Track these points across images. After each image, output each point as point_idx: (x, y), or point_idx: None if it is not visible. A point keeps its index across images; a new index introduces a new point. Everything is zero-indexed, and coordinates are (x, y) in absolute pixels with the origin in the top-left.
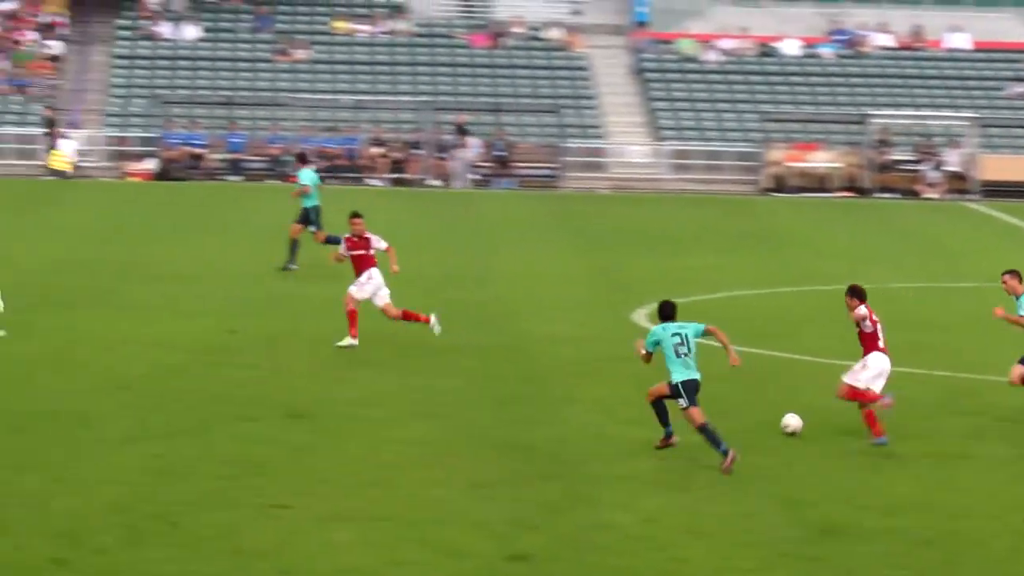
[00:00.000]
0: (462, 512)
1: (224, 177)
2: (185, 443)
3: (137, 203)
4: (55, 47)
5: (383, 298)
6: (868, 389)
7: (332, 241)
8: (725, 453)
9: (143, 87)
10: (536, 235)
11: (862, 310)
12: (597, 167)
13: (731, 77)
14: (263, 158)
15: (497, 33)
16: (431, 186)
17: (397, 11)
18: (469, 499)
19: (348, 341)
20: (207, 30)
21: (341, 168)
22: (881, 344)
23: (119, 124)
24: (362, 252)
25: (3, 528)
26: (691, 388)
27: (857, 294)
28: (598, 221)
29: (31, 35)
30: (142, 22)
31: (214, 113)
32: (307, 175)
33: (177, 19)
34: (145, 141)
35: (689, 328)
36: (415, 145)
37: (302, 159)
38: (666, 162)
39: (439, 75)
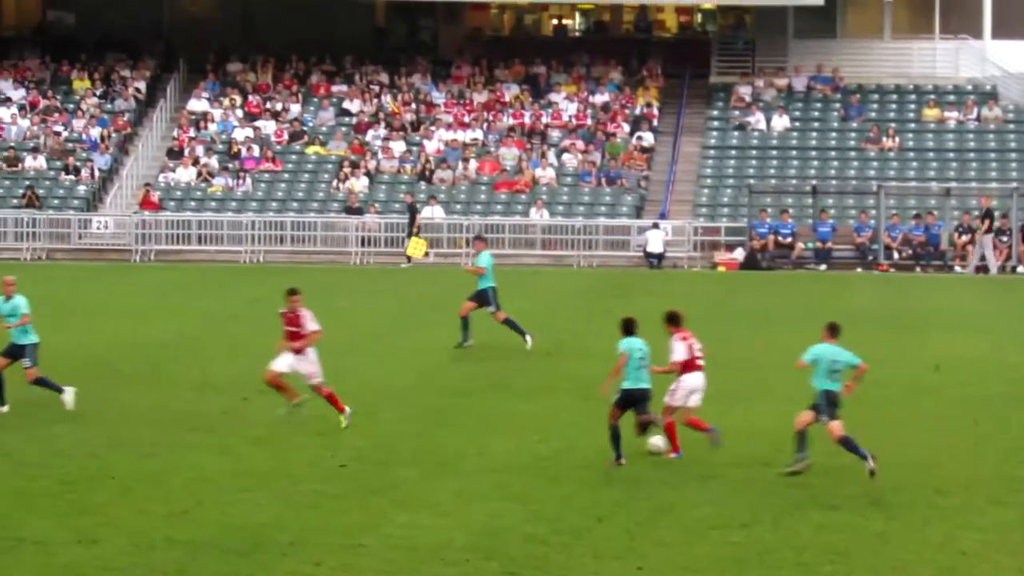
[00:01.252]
0: None
1: (811, 266)
2: (764, 530)
3: (722, 292)
4: (647, 138)
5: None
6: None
7: (511, 325)
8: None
9: (732, 176)
10: None
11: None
12: None
13: None
14: (850, 247)
15: None
16: (1020, 274)
17: (988, 98)
18: None
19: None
20: (796, 120)
21: (925, 256)
22: (699, 363)
23: (707, 214)
24: (293, 329)
25: None
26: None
27: (672, 321)
28: None
29: (624, 127)
30: (733, 112)
31: (802, 202)
32: (484, 258)
33: (767, 109)
34: (732, 230)
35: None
36: (1001, 233)
37: (481, 241)
38: None
39: None
